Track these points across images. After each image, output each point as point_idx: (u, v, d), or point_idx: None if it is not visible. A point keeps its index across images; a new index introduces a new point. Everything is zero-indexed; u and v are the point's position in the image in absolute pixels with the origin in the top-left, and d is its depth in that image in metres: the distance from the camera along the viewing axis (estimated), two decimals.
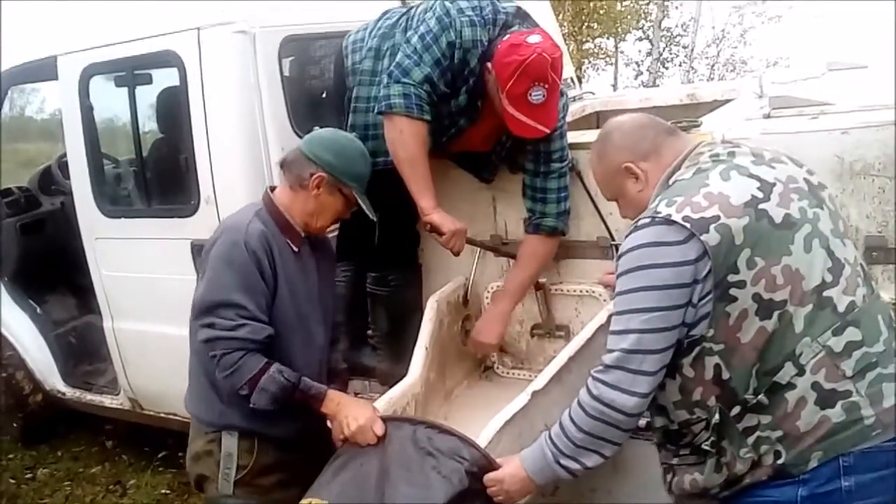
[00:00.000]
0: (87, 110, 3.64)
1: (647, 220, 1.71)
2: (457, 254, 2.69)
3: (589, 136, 3.04)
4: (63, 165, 4.46)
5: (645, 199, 1.87)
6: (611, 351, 1.76)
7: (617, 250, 2.75)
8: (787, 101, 2.64)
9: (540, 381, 2.27)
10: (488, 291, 3.06)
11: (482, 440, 2.07)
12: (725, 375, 1.69)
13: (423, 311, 2.87)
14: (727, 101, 3.45)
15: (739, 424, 1.70)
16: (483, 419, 2.21)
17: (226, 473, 2.30)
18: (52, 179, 5.04)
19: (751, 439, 1.69)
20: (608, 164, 1.95)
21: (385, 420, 2.14)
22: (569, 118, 3.97)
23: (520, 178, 2.91)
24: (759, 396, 1.67)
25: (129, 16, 3.51)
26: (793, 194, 1.71)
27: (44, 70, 3.85)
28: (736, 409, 1.70)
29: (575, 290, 2.88)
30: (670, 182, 1.82)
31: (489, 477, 1.96)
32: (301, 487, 2.10)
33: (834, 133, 2.32)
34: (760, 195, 1.68)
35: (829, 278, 1.67)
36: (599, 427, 1.78)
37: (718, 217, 1.63)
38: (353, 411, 2.15)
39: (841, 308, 1.66)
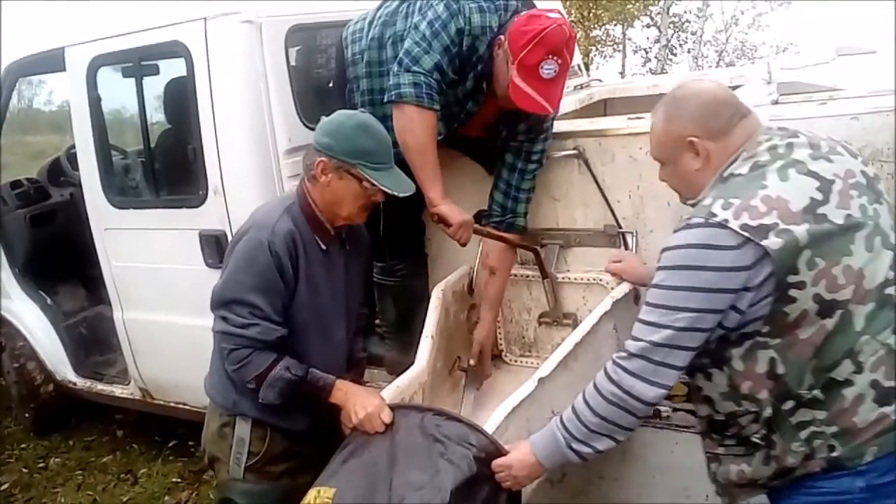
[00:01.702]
0: (95, 101, 3.65)
1: (701, 221, 1.66)
2: (464, 244, 2.70)
3: (597, 123, 3.04)
4: (72, 157, 4.48)
5: (701, 180, 1.81)
6: (637, 339, 1.75)
7: (623, 238, 2.78)
8: (795, 87, 2.63)
9: (546, 368, 2.27)
10: None
11: (490, 426, 2.07)
12: (781, 370, 1.67)
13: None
14: (736, 87, 3.43)
15: (792, 419, 1.68)
16: (491, 406, 2.22)
17: (237, 458, 2.33)
18: (62, 171, 5.05)
19: (804, 434, 1.67)
20: (673, 129, 1.84)
21: (392, 408, 2.15)
22: (577, 106, 3.99)
23: None
24: (815, 392, 1.65)
25: (135, 7, 3.52)
26: (852, 191, 1.67)
27: (51, 61, 3.86)
28: (789, 404, 1.68)
29: (582, 279, 2.88)
30: (725, 174, 1.76)
31: (497, 462, 1.97)
32: (311, 476, 2.11)
33: (843, 119, 2.30)
34: (820, 197, 1.64)
35: (891, 275, 1.65)
36: (615, 413, 1.78)
37: (777, 224, 1.59)
38: (360, 400, 2.16)
39: None
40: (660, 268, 1.73)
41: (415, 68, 2.54)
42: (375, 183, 2.17)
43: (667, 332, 1.69)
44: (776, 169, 1.69)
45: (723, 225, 1.62)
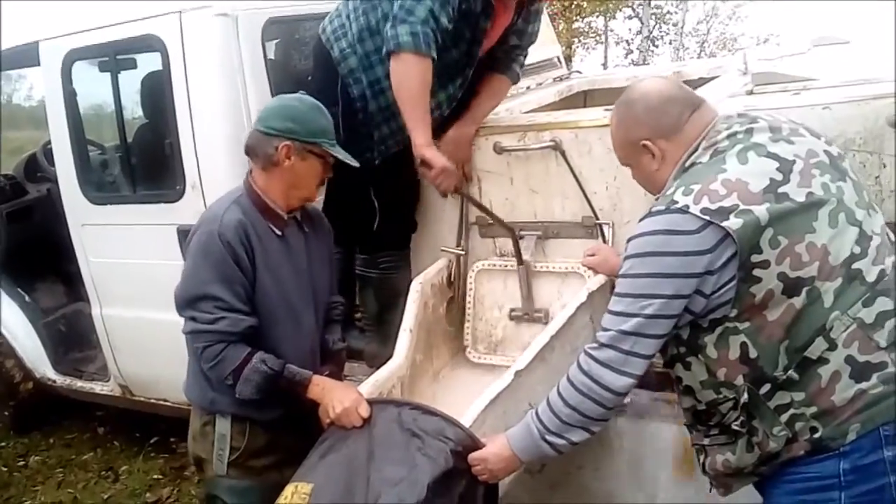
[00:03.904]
0: (70, 96, 3.61)
1: (662, 209, 1.69)
2: (443, 194, 2.70)
3: (575, 115, 3.05)
4: (48, 152, 4.44)
5: (661, 178, 1.84)
6: (606, 329, 1.76)
7: (601, 230, 2.78)
8: (770, 78, 2.65)
9: (523, 361, 2.28)
10: (473, 272, 3.06)
11: (467, 420, 2.08)
12: (753, 354, 1.68)
13: None
14: (713, 78, 3.45)
15: (770, 402, 1.69)
16: (470, 399, 2.22)
17: (219, 454, 2.33)
18: (38, 166, 5.00)
19: (784, 417, 1.68)
20: (626, 134, 1.89)
21: (370, 402, 2.15)
22: (556, 98, 4.00)
23: (503, 158, 2.91)
24: (790, 373, 1.65)
25: (113, 2, 3.48)
26: (814, 170, 1.69)
27: (26, 56, 3.81)
28: (766, 388, 1.69)
29: (559, 268, 2.88)
30: (687, 164, 1.78)
31: (473, 456, 1.97)
32: (296, 469, 2.12)
33: (815, 109, 2.31)
34: (780, 177, 1.65)
35: (857, 250, 1.65)
36: (586, 403, 1.79)
37: (737, 205, 1.61)
38: (337, 395, 2.16)
39: (870, 278, 1.64)
40: (626, 257, 1.75)
41: (410, 19, 2.54)
42: (339, 157, 2.28)
43: (635, 321, 1.71)
44: (735, 153, 1.71)
45: (683, 210, 1.64)
